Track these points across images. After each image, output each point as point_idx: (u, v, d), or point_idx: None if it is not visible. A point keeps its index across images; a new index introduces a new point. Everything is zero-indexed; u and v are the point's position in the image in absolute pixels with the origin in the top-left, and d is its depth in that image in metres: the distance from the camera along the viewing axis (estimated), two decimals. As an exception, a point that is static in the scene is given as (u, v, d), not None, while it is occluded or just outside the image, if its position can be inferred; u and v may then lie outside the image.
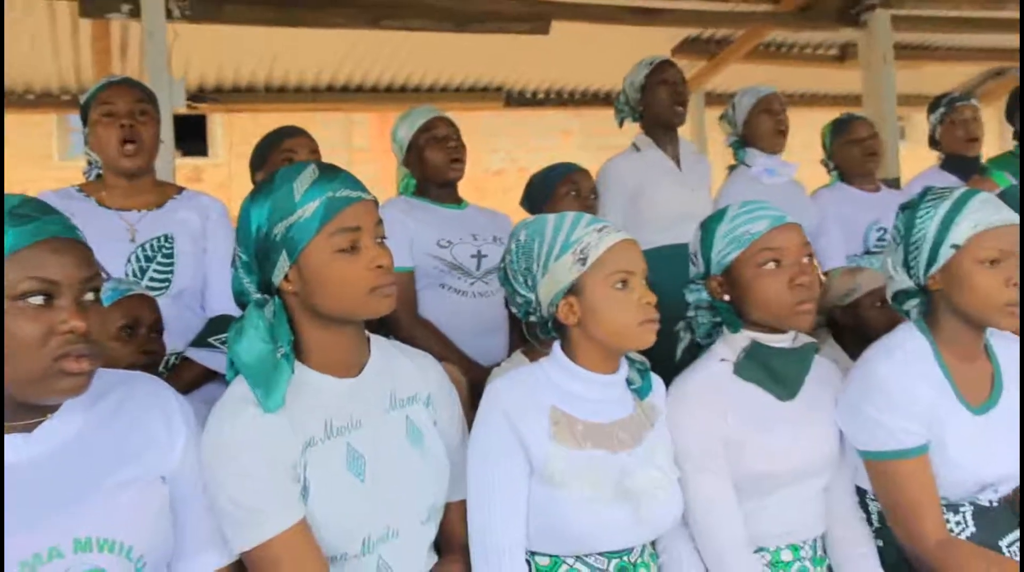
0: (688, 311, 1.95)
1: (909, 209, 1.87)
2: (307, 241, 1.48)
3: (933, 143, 3.87)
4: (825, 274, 2.95)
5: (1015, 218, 1.78)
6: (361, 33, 4.97)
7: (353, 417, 1.56)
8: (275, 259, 1.50)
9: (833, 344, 2.56)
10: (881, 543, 1.90)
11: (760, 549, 1.81)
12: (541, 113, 8.90)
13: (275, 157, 2.77)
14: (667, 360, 1.95)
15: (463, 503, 1.67)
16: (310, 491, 1.49)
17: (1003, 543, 1.86)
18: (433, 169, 2.79)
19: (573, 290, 1.65)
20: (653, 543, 1.76)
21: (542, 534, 1.63)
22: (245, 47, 5.48)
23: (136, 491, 1.39)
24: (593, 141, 9.53)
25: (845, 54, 6.85)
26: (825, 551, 1.89)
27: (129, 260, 2.38)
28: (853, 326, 2.53)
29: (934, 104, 3.83)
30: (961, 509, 1.86)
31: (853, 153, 3.53)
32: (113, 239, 2.38)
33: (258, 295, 1.55)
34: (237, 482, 1.44)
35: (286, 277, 1.51)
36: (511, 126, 10.76)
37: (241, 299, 1.58)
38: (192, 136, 11.32)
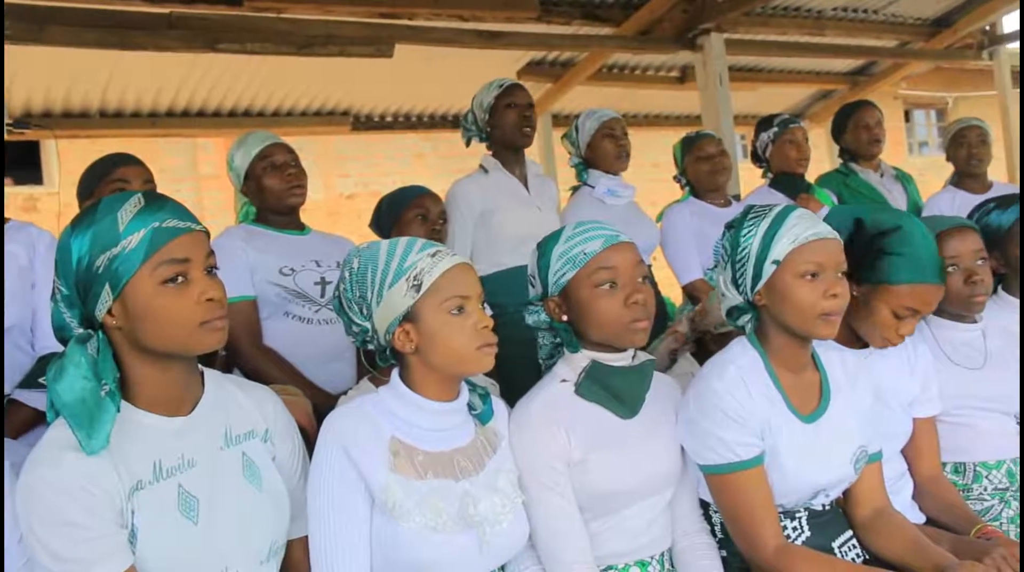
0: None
1: (733, 228, 1.92)
2: (131, 274, 1.42)
3: (757, 159, 4.02)
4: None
5: (831, 233, 1.86)
6: (199, 56, 4.83)
7: (185, 457, 1.50)
8: (98, 292, 1.43)
9: (689, 357, 2.58)
10: (725, 554, 1.94)
11: (608, 567, 1.83)
12: (392, 136, 8.86)
13: (105, 187, 2.64)
14: (520, 381, 1.95)
15: (305, 539, 1.63)
16: (138, 536, 1.41)
17: (835, 544, 1.93)
18: (273, 197, 2.70)
19: (409, 317, 1.63)
20: (503, 568, 1.75)
21: (387, 567, 1.59)
22: (75, 69, 5.22)
23: None
24: (447, 164, 9.51)
25: (685, 76, 7.10)
26: (672, 564, 1.91)
27: None
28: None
29: (765, 123, 3.96)
30: (797, 515, 1.92)
31: (702, 169, 3.66)
32: None
33: (80, 330, 1.47)
34: (56, 533, 1.35)
35: (110, 311, 1.44)
36: (362, 150, 10.62)
37: (62, 334, 1.49)
38: (26, 164, 10.75)
